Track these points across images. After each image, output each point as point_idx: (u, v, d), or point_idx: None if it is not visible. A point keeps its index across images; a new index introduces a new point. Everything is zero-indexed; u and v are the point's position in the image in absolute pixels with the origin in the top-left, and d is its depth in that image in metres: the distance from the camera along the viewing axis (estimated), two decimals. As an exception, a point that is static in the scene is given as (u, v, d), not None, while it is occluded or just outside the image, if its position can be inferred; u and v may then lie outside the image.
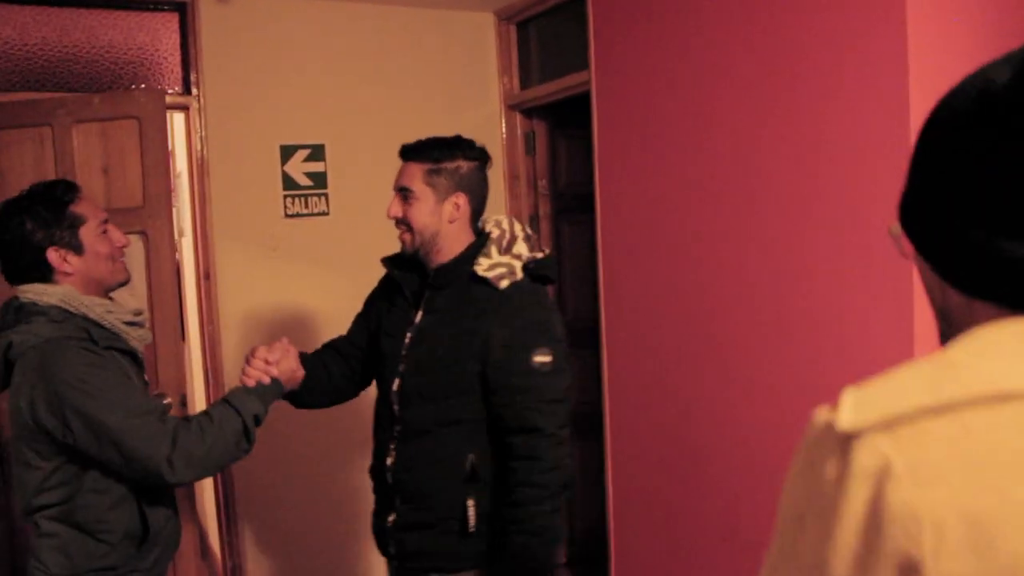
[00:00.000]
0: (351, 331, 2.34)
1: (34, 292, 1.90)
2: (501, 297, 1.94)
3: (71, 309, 1.89)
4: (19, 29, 3.28)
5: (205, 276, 3.43)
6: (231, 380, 3.55)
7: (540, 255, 2.05)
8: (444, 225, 2.01)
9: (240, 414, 1.90)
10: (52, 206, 1.91)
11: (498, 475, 1.96)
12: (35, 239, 1.88)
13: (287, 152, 3.65)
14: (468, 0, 3.91)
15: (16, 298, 1.92)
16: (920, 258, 0.79)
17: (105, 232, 1.98)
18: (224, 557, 3.57)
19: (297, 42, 3.67)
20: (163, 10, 3.49)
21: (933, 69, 2.17)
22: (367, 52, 3.81)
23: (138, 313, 2.07)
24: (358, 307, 3.79)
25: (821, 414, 0.69)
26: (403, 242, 2.05)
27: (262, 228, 3.63)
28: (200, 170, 3.45)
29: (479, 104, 4.07)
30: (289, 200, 3.66)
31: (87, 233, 1.94)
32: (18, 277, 1.93)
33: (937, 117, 0.77)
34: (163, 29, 3.50)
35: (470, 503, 1.96)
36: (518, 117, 4.11)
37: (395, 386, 2.03)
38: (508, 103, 4.08)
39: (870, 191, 2.26)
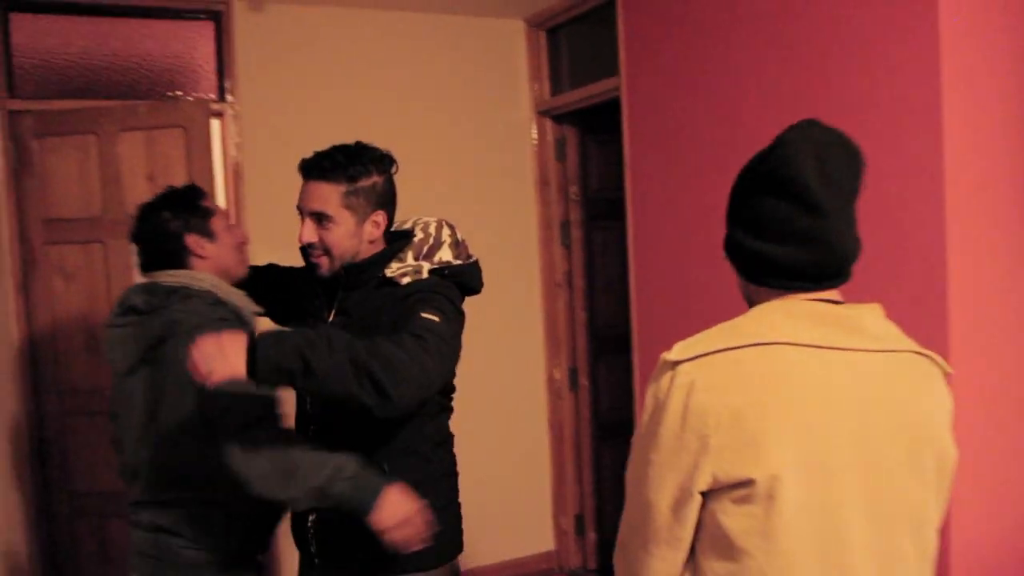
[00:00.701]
0: (274, 277, 2.24)
1: (187, 277, 1.99)
2: (400, 290, 1.86)
3: (220, 295, 1.99)
4: (61, 39, 3.35)
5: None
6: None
7: (458, 262, 1.95)
8: (364, 245, 1.91)
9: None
10: (186, 200, 2.05)
11: (412, 478, 1.84)
12: (172, 227, 2.00)
13: (320, 158, 3.68)
14: (499, 7, 3.93)
15: (156, 283, 1.99)
16: (733, 268, 1.39)
17: (231, 226, 2.12)
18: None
19: (330, 49, 3.71)
20: (199, 18, 3.54)
21: (965, 75, 2.15)
22: (399, 59, 3.84)
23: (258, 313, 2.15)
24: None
25: (663, 355, 1.23)
26: (319, 266, 1.91)
27: (295, 234, 3.65)
28: (235, 176, 3.50)
29: (510, 111, 4.09)
30: (322, 206, 3.69)
31: (217, 223, 2.06)
32: (158, 264, 2.02)
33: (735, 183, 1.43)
34: (199, 37, 3.55)
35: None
36: (549, 123, 4.12)
37: None
38: (539, 109, 4.10)
39: (903, 198, 2.25)
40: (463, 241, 2.04)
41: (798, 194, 1.25)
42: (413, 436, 1.94)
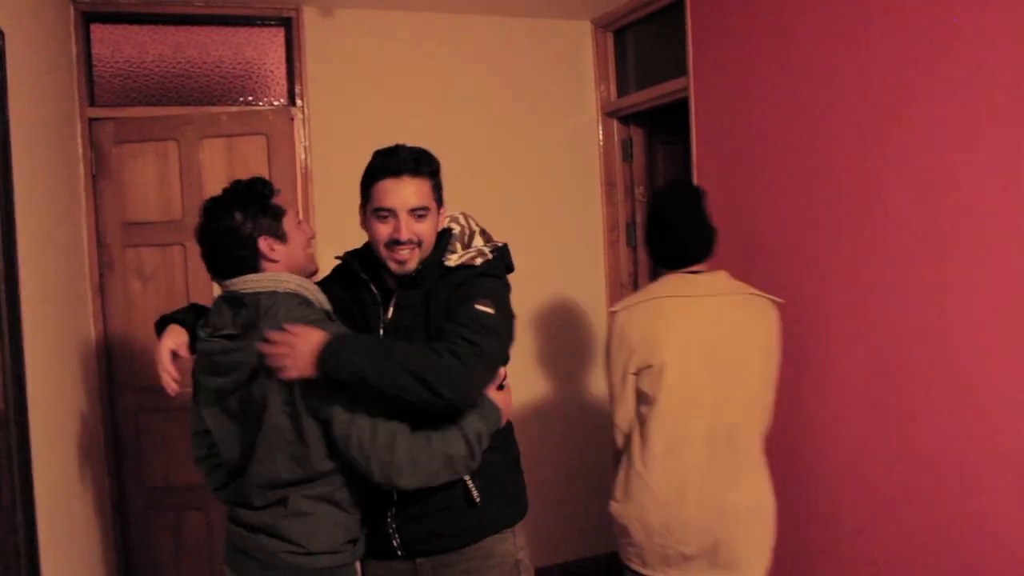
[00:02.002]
0: None
1: (270, 280, 1.94)
2: (472, 271, 1.98)
3: (307, 295, 1.97)
4: (138, 48, 3.46)
5: (308, 283, 3.53)
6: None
7: (499, 244, 2.08)
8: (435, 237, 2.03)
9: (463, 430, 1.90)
10: (257, 199, 1.99)
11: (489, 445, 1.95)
12: (245, 230, 1.95)
13: (387, 161, 3.72)
14: (565, 9, 3.92)
15: (237, 293, 1.95)
16: (649, 258, 2.73)
17: (300, 223, 2.09)
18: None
19: (397, 54, 3.75)
20: (270, 25, 3.61)
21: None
22: (466, 62, 3.86)
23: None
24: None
25: (610, 308, 2.79)
26: (407, 262, 1.98)
27: (362, 237, 3.69)
28: (304, 179, 3.56)
29: (576, 112, 4.07)
30: (389, 208, 3.73)
31: (288, 223, 2.02)
32: (229, 270, 1.98)
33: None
34: (269, 43, 3.62)
35: (467, 479, 1.98)
36: (615, 124, 4.10)
37: None
38: (605, 110, 4.07)
39: (985, 202, 2.17)
40: (486, 230, 2.16)
41: (667, 223, 2.43)
42: None
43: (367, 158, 3.94)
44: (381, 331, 2.02)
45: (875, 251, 2.51)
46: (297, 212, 2.11)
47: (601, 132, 4.10)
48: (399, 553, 2.05)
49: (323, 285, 2.15)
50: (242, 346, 1.91)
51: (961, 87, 2.22)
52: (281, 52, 3.63)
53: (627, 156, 4.12)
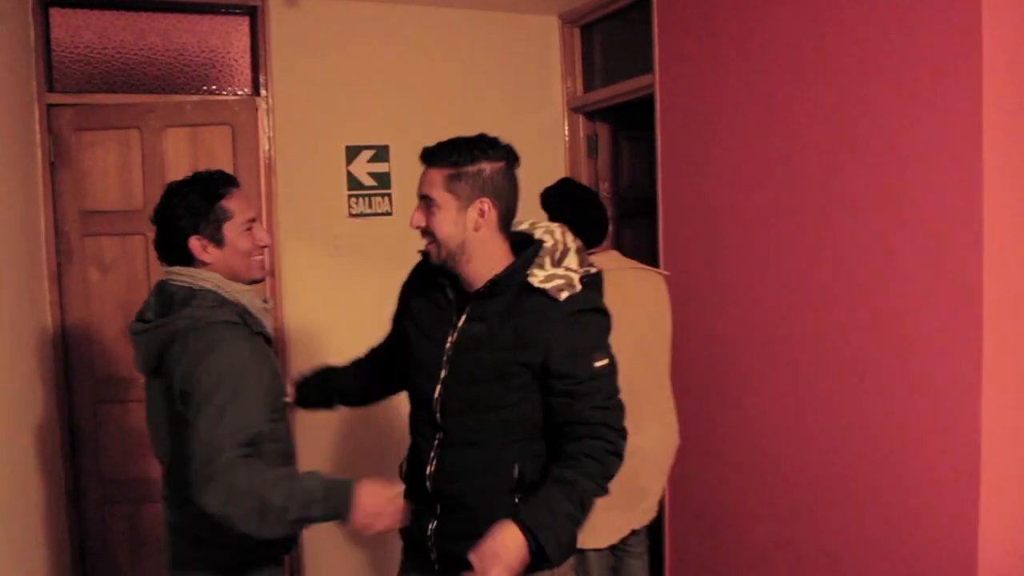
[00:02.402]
0: (390, 339, 2.30)
1: (189, 276, 1.97)
2: (560, 307, 1.85)
3: (225, 295, 1.97)
4: (99, 33, 3.40)
5: (270, 274, 3.51)
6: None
7: (592, 270, 1.96)
8: (469, 233, 1.89)
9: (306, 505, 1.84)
10: (205, 197, 1.98)
11: (543, 475, 1.90)
12: (181, 225, 1.97)
13: (352, 153, 3.70)
14: (532, 3, 3.92)
15: (167, 283, 2.00)
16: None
17: (249, 230, 2.05)
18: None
19: (363, 44, 3.73)
20: (235, 13, 3.58)
21: (1006, 72, 2.12)
22: (432, 54, 3.85)
23: (265, 301, 2.14)
24: (419, 307, 3.83)
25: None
26: (429, 252, 1.94)
27: (326, 227, 3.69)
28: (268, 171, 3.53)
29: (542, 107, 4.08)
30: (353, 200, 3.72)
31: (231, 228, 2.00)
32: (166, 256, 2.02)
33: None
34: (234, 32, 3.58)
35: (517, 500, 1.90)
36: (581, 120, 4.11)
37: (436, 393, 1.94)
38: (571, 106, 4.09)
39: (943, 197, 2.21)
40: (583, 247, 2.02)
41: (565, 214, 2.68)
42: (536, 443, 1.96)
43: (332, 148, 3.95)
44: (449, 343, 1.93)
45: (836, 245, 2.55)
46: (251, 218, 2.05)
47: (567, 127, 4.11)
48: (436, 567, 1.99)
49: (405, 291, 2.17)
50: (154, 328, 1.96)
51: (922, 83, 2.26)
52: (246, 41, 3.59)
53: (592, 152, 4.14)
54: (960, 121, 2.15)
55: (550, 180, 4.26)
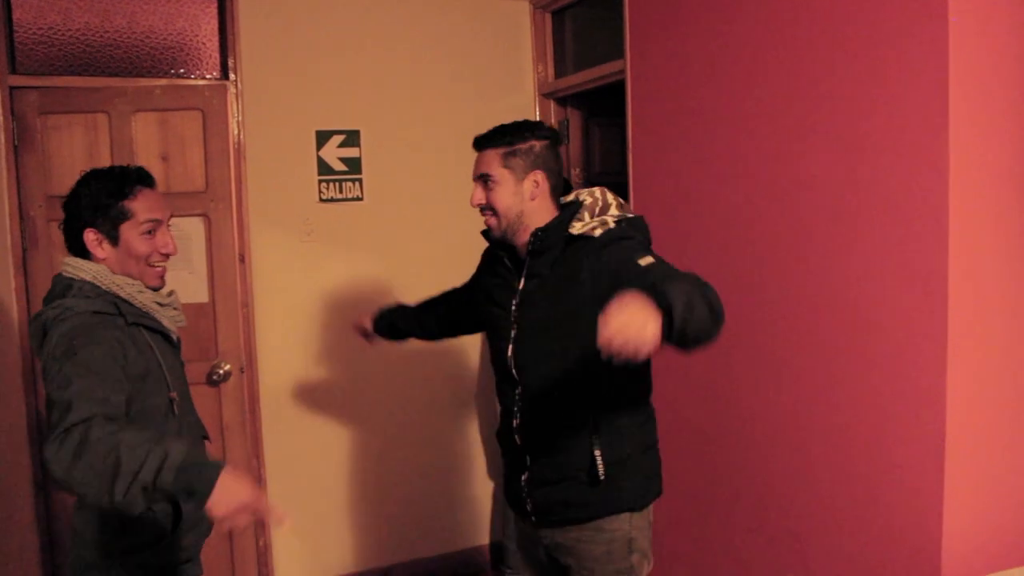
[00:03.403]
0: (462, 290, 2.58)
1: (72, 266, 1.97)
2: (595, 241, 2.03)
3: (101, 286, 1.95)
4: (64, 15, 3.34)
5: (240, 259, 3.48)
6: (264, 361, 3.61)
7: (630, 215, 2.12)
8: (527, 203, 2.09)
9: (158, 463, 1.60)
10: (110, 192, 1.96)
11: (619, 424, 2.09)
12: (81, 215, 1.96)
13: (322, 137, 3.68)
14: (504, -12, 3.91)
15: (59, 273, 2.01)
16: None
17: (151, 233, 2.00)
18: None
19: (333, 29, 3.70)
20: (202, -4, 3.53)
21: (972, 70, 2.15)
22: (403, 39, 3.82)
23: (169, 295, 2.11)
24: (389, 291, 3.85)
25: None
26: (490, 227, 2.14)
27: (297, 212, 3.67)
28: (237, 156, 3.50)
29: (513, 92, 4.07)
30: (324, 185, 3.70)
31: (128, 229, 1.97)
32: (68, 243, 2.01)
33: None
34: (202, 15, 3.54)
35: (597, 453, 2.07)
36: (552, 105, 4.11)
37: (509, 352, 2.13)
38: (542, 91, 4.08)
39: (908, 184, 2.25)
40: (626, 204, 2.18)
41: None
42: (623, 389, 2.12)
43: (302, 133, 3.91)
44: (514, 304, 2.13)
45: (803, 230, 2.58)
46: (155, 220, 1.99)
47: (538, 113, 4.11)
48: (532, 518, 2.19)
49: (477, 274, 2.42)
50: (32, 321, 1.96)
51: (889, 66, 2.28)
52: (214, 24, 3.55)
53: (564, 137, 4.14)
54: (926, 106, 2.18)
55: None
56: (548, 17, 4.08)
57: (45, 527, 3.31)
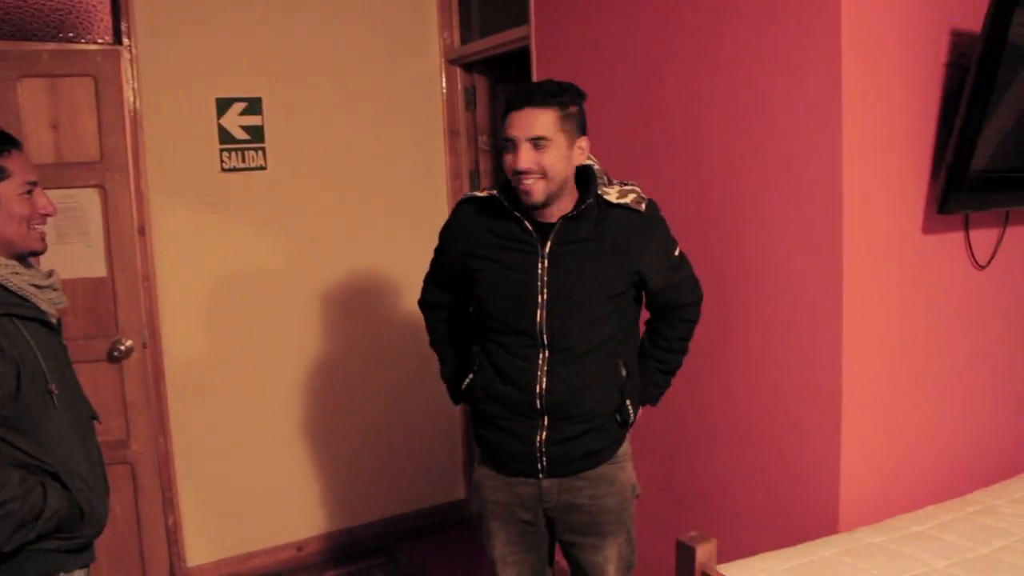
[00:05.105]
0: (457, 290, 2.37)
1: None
2: (644, 218, 2.12)
3: None
4: (-62, -26, 3.15)
5: (140, 232, 3.37)
6: (168, 336, 3.52)
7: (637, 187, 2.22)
8: (571, 171, 2.08)
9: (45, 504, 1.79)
10: None
11: (633, 366, 2.24)
12: None
13: (223, 105, 3.58)
14: (407, -48, 3.85)
15: None
16: None
17: (29, 194, 1.88)
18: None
19: (232, -8, 3.59)
20: (91, -44, 3.37)
21: (865, 26, 2.22)
22: (305, 4, 3.74)
23: (49, 275, 1.96)
24: (296, 262, 3.79)
25: None
26: (531, 192, 2.02)
27: (198, 182, 3.57)
28: (133, 124, 3.37)
29: (419, 59, 4.03)
30: (226, 154, 3.60)
31: (7, 188, 1.84)
32: None
33: None
34: (91, -24, 3.38)
35: (628, 402, 2.18)
36: (459, 72, 4.09)
37: (539, 317, 2.09)
38: (448, 58, 4.06)
39: (801, 151, 2.32)
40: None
41: None
42: (631, 340, 2.26)
43: (202, 101, 3.79)
44: (542, 268, 2.09)
45: (710, 193, 2.64)
46: (31, 181, 1.90)
47: (444, 79, 4.08)
48: (540, 475, 2.19)
49: (457, 224, 2.26)
50: None
51: (782, 33, 2.35)
52: (104, -14, 3.40)
53: (470, 104, 4.13)
54: (818, 77, 2.25)
55: (429, 131, 4.26)
56: (453, -18, 4.04)
57: None
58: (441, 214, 4.13)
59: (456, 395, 2.39)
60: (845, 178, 2.23)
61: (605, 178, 2.18)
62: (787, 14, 2.33)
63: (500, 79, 4.16)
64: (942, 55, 2.36)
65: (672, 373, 2.34)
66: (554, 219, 2.09)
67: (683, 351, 2.33)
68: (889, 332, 2.38)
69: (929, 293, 2.46)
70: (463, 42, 4.05)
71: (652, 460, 2.93)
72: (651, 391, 2.32)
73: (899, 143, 2.33)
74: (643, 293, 2.23)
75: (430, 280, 2.44)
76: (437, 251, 2.37)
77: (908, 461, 2.48)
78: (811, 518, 2.40)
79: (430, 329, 2.47)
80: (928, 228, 2.43)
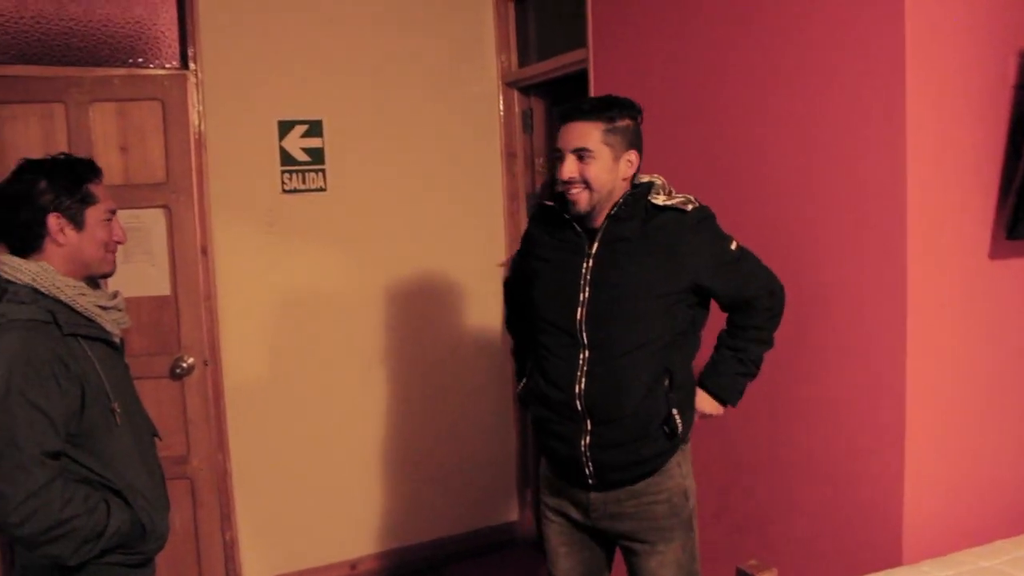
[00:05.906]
0: (520, 279, 2.43)
1: (12, 267, 1.86)
2: (690, 218, 2.12)
3: (42, 290, 1.85)
4: (16, 2, 3.28)
5: (202, 251, 3.45)
6: (228, 354, 3.58)
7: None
8: (618, 182, 2.11)
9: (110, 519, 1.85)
10: (72, 176, 1.89)
11: (685, 376, 2.19)
12: (43, 199, 1.86)
13: (285, 127, 3.65)
14: (466, -24, 3.90)
15: None
16: None
17: (109, 221, 1.96)
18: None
19: (295, 17, 3.66)
20: (160, -16, 3.48)
21: (930, 50, 2.18)
22: (365, 28, 3.80)
23: (113, 296, 2.01)
24: (354, 282, 3.84)
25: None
26: (577, 202, 2.09)
27: (259, 203, 3.64)
28: (198, 147, 3.46)
29: (477, 81, 4.07)
30: (287, 176, 3.67)
31: (93, 214, 1.92)
32: (6, 236, 1.89)
33: None
34: (161, 3, 3.49)
35: (675, 412, 2.13)
36: (515, 95, 4.11)
37: (579, 315, 2.12)
38: (506, 81, 4.08)
39: (866, 173, 2.28)
40: None
41: None
42: (680, 346, 2.20)
43: (264, 123, 3.87)
44: (587, 268, 2.13)
45: (763, 216, 2.61)
46: (112, 209, 1.98)
47: (502, 102, 4.11)
48: (590, 482, 2.18)
49: (528, 229, 2.36)
50: None
51: (846, 57, 2.31)
52: (173, 12, 3.49)
53: (527, 127, 4.15)
54: (882, 93, 2.22)
55: (486, 153, 4.29)
56: (511, 6, 4.07)
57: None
58: (498, 236, 4.15)
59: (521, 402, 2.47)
60: (909, 203, 2.18)
61: (667, 190, 2.21)
62: (851, 38, 2.29)
63: (557, 102, 4.17)
64: (1010, 76, 2.30)
65: (749, 363, 2.26)
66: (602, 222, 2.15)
67: (763, 341, 2.27)
68: (954, 360, 2.32)
69: (996, 320, 2.39)
70: (520, 65, 4.07)
71: (710, 486, 2.89)
72: (725, 382, 2.26)
73: (965, 166, 2.27)
74: (709, 299, 2.23)
75: (507, 301, 2.57)
76: (512, 263, 2.48)
77: (974, 493, 2.40)
78: (874, 550, 2.33)
79: (516, 349, 2.56)
80: (995, 253, 2.36)
